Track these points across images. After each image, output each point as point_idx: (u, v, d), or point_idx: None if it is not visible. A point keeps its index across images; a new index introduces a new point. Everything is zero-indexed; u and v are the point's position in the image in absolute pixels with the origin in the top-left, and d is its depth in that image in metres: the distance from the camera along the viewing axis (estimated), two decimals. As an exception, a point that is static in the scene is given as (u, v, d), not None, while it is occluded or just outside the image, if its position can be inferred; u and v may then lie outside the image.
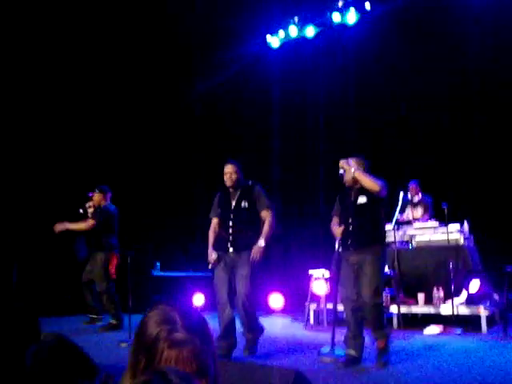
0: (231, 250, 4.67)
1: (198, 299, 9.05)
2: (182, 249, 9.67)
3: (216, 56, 9.85)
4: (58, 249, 7.67)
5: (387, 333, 4.37)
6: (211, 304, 8.89)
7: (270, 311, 8.38)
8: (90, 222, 6.64)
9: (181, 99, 10.23)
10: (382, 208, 4.46)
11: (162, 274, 8.81)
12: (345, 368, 4.18)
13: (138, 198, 9.06)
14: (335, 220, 4.62)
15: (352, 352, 4.28)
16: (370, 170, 4.49)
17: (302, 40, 9.61)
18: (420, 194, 7.22)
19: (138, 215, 8.91)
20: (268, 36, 9.72)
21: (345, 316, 4.44)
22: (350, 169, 4.36)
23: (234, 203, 4.76)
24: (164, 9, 9.04)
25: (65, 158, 8.63)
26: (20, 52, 8.23)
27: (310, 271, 6.79)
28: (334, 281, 6.83)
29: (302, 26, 9.50)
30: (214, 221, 4.93)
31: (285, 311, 8.35)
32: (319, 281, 6.70)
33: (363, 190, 4.34)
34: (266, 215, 4.74)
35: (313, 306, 6.92)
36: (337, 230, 4.48)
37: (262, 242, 4.63)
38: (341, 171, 4.42)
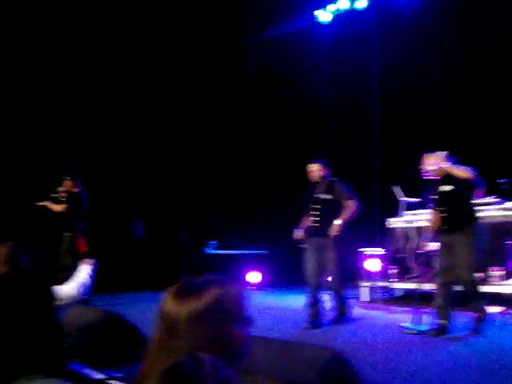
0: (317, 235, 5.37)
1: (254, 277, 9.13)
2: (240, 228, 9.77)
3: (264, 32, 9.77)
4: (116, 229, 7.99)
5: (482, 306, 4.72)
6: (266, 282, 9.02)
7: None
8: (62, 207, 6.80)
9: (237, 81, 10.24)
10: (470, 191, 4.81)
11: (216, 251, 8.96)
12: (436, 336, 4.57)
13: (195, 179, 9.24)
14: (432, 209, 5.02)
15: (442, 322, 4.68)
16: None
17: (352, 12, 9.34)
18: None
19: (196, 195, 9.09)
20: (318, 11, 9.50)
21: (436, 290, 4.84)
22: (438, 163, 4.71)
23: (318, 195, 5.44)
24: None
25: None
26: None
27: (362, 249, 6.73)
28: (387, 258, 6.80)
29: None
30: (306, 213, 5.57)
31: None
32: (372, 258, 6.63)
33: (447, 180, 4.72)
34: (348, 203, 5.37)
35: (365, 284, 6.88)
36: (433, 216, 4.97)
37: (338, 221, 5.27)
38: (429, 167, 4.75)
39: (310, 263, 5.35)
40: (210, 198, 9.22)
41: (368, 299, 6.89)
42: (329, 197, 5.37)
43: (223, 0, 9.31)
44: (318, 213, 5.41)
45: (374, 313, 6.07)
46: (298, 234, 5.53)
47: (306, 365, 1.87)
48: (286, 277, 8.63)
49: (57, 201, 6.91)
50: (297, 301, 7.44)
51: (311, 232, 5.43)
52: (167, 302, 1.22)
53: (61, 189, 6.88)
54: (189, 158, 9.35)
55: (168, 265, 6.85)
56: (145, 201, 8.53)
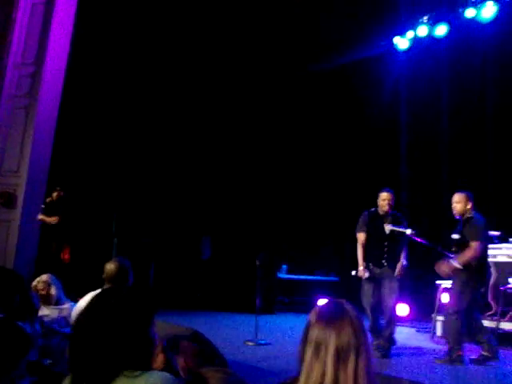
0: (385, 265, 5.28)
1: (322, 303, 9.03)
2: (312, 253, 9.70)
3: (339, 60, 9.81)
4: (185, 248, 8.15)
5: None
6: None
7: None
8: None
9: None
10: None
11: (288, 276, 8.97)
12: None
13: (270, 202, 9.35)
14: None
15: None
16: None
17: (430, 40, 9.21)
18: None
19: (269, 219, 9.19)
20: (396, 38, 9.45)
21: None
22: None
23: (388, 227, 5.27)
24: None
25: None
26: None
27: (438, 281, 6.49)
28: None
29: (432, 24, 9.09)
30: (362, 236, 5.43)
31: (409, 321, 8.06)
32: (448, 292, 6.37)
33: None
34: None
35: (440, 318, 6.61)
36: None
37: (404, 262, 5.33)
38: None
39: (369, 292, 5.37)
40: (282, 221, 9.26)
41: (441, 334, 6.61)
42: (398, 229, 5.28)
43: (299, 24, 9.46)
44: (387, 243, 5.34)
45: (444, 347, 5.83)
46: (365, 274, 5.41)
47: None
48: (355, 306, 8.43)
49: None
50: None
51: (375, 262, 5.36)
52: (314, 327, 1.37)
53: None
54: (264, 182, 9.47)
55: (241, 286, 6.90)
56: (216, 221, 8.70)
